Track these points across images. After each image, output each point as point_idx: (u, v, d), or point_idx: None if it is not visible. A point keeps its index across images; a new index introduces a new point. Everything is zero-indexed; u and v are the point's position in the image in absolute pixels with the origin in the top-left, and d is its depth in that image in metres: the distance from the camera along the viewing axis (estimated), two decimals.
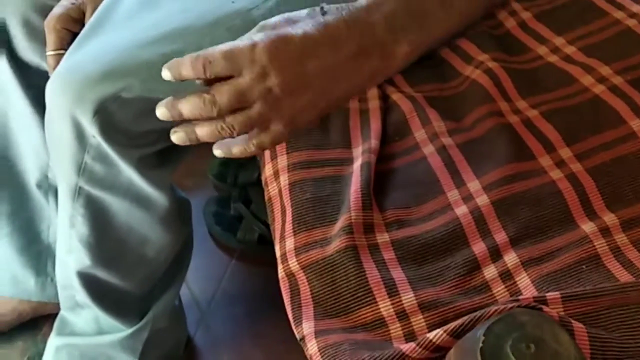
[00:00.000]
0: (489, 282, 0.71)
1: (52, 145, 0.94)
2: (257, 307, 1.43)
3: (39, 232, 1.27)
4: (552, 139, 0.80)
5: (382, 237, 0.76)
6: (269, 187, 0.87)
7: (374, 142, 0.84)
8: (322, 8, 0.72)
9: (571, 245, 0.71)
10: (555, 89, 0.86)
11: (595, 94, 0.84)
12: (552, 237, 0.73)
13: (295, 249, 0.78)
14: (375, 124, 0.87)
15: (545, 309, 0.62)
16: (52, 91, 0.88)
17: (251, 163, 1.56)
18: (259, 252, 1.52)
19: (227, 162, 1.63)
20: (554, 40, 0.93)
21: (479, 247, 0.73)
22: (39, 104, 1.13)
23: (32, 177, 1.22)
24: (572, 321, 0.62)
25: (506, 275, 0.71)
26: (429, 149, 0.83)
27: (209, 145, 1.29)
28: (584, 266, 0.70)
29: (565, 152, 0.79)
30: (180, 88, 0.88)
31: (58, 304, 1.14)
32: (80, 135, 0.88)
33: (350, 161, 0.84)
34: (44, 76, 1.05)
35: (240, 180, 1.57)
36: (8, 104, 1.15)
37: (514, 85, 0.88)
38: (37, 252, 1.27)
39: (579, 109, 0.83)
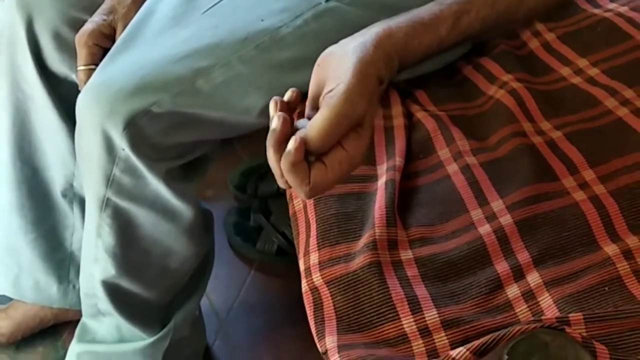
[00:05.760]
0: (511, 302, 0.72)
1: (81, 157, 0.95)
2: (276, 318, 1.44)
3: (63, 239, 1.28)
4: (575, 161, 0.81)
5: (406, 254, 0.77)
6: (294, 202, 0.89)
7: (398, 160, 0.85)
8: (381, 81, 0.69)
9: (594, 267, 0.72)
10: (578, 111, 0.87)
11: (619, 117, 0.84)
12: (574, 258, 0.73)
13: (319, 264, 0.79)
14: (399, 142, 0.88)
15: (568, 329, 0.63)
16: (84, 104, 0.89)
17: (271, 175, 1.57)
18: (277, 263, 1.53)
19: (248, 174, 1.65)
20: (577, 61, 0.94)
21: (502, 267, 0.74)
22: (66, 114, 1.15)
23: (57, 185, 1.23)
24: (595, 343, 0.62)
25: (529, 295, 0.72)
26: (452, 168, 0.84)
27: (229, 157, 1.30)
28: (606, 288, 0.70)
29: (588, 174, 0.80)
30: (210, 103, 0.90)
31: (79, 310, 1.15)
32: (110, 148, 0.89)
33: (374, 178, 0.85)
34: (72, 87, 1.07)
35: (260, 191, 1.59)
36: (36, 114, 1.17)
37: (538, 107, 0.89)
38: (60, 259, 1.29)
39: (602, 132, 0.84)
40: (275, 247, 1.52)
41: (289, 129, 0.64)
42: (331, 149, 0.64)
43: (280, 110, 0.65)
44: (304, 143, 0.62)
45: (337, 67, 0.66)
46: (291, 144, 0.62)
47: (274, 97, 0.67)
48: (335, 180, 0.65)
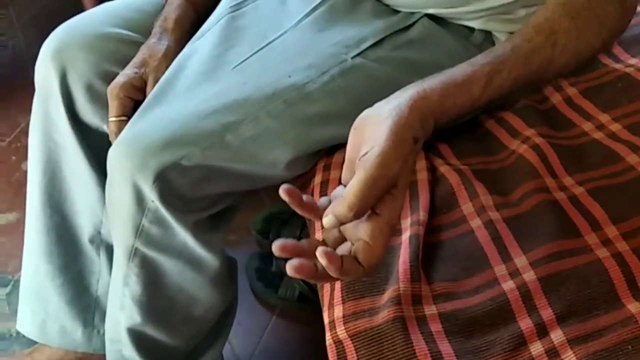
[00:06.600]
0: (535, 359, 0.72)
1: (111, 208, 0.97)
2: None
3: (89, 285, 1.30)
4: (598, 217, 0.82)
5: (430, 310, 0.78)
6: None
7: (422, 215, 0.86)
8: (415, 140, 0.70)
9: (617, 325, 0.72)
10: (601, 167, 0.88)
11: None
12: (598, 315, 0.74)
13: (343, 317, 0.80)
14: (423, 196, 0.89)
15: None
16: (115, 157, 0.92)
17: (294, 220, 1.59)
18: (299, 310, 1.53)
19: (270, 219, 1.67)
20: (599, 117, 0.95)
21: (525, 323, 0.75)
22: (97, 164, 1.17)
23: (85, 232, 1.25)
24: None
25: (552, 353, 0.72)
26: (476, 223, 0.85)
27: (252, 203, 1.32)
28: (629, 346, 0.70)
29: (611, 231, 0.80)
30: (238, 157, 0.92)
31: (103, 355, 1.17)
32: (140, 200, 0.91)
33: (399, 232, 0.87)
34: (103, 138, 1.10)
35: (282, 237, 1.60)
36: (67, 163, 1.19)
37: (560, 162, 0.90)
38: (86, 304, 1.30)
39: (625, 188, 0.85)
40: (297, 293, 1.53)
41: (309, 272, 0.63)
42: (368, 220, 0.65)
43: (290, 250, 0.64)
44: (331, 256, 0.61)
45: (373, 130, 0.67)
46: (324, 263, 0.62)
47: (276, 243, 0.64)
48: (383, 249, 0.65)
